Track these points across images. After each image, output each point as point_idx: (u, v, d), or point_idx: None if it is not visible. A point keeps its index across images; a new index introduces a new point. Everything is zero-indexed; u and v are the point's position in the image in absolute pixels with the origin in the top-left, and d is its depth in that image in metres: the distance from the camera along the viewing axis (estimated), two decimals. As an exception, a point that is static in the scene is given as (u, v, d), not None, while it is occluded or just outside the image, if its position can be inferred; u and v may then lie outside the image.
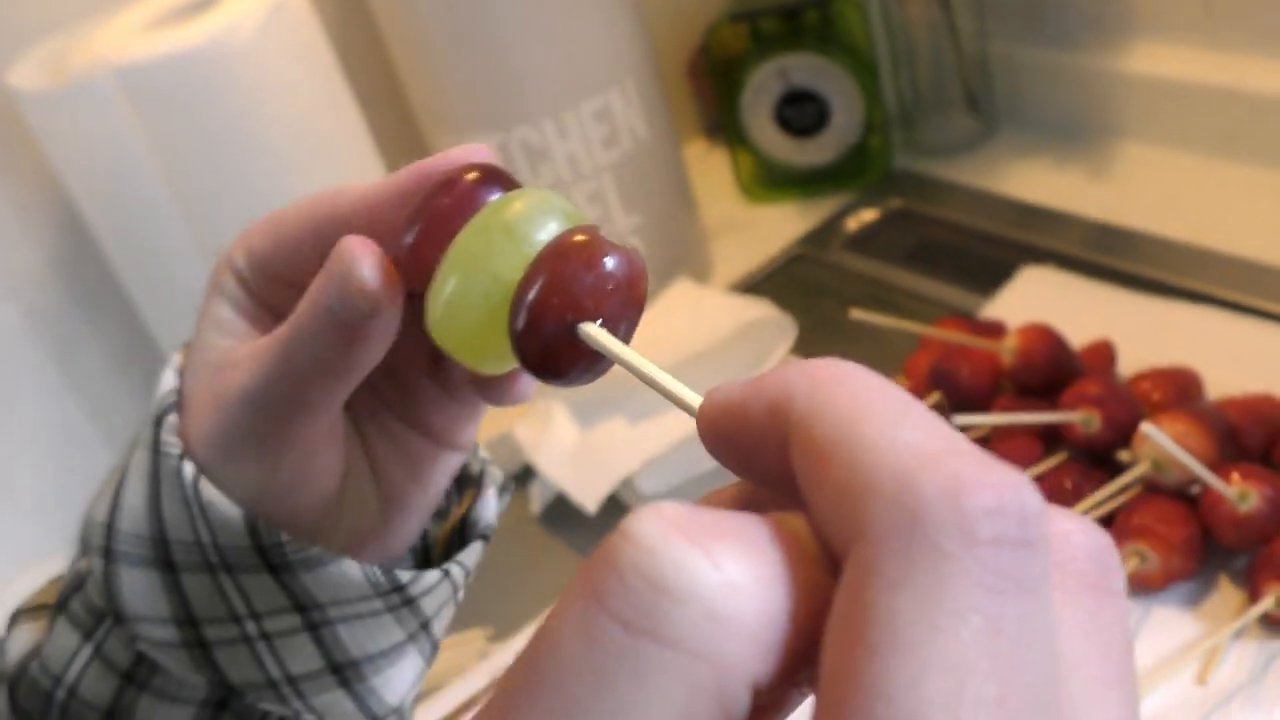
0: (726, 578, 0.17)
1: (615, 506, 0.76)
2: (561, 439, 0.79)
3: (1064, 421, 0.65)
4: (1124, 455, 0.65)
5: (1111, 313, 0.79)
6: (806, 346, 0.84)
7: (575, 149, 0.86)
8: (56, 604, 0.39)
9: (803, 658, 0.18)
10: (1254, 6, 0.88)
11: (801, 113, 1.00)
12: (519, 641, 0.69)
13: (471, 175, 0.30)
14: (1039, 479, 0.65)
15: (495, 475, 0.42)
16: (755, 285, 0.96)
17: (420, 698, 0.55)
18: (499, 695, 0.18)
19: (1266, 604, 0.57)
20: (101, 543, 0.37)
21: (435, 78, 0.85)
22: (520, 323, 0.27)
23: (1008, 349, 0.70)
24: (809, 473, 0.19)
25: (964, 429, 0.69)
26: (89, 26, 0.73)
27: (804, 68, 0.98)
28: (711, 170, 1.11)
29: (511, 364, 0.29)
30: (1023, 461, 0.66)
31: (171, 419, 0.36)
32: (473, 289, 0.29)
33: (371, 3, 0.86)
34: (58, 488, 0.88)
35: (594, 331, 0.27)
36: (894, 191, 1.01)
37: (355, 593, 0.36)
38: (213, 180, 0.71)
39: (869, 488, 0.17)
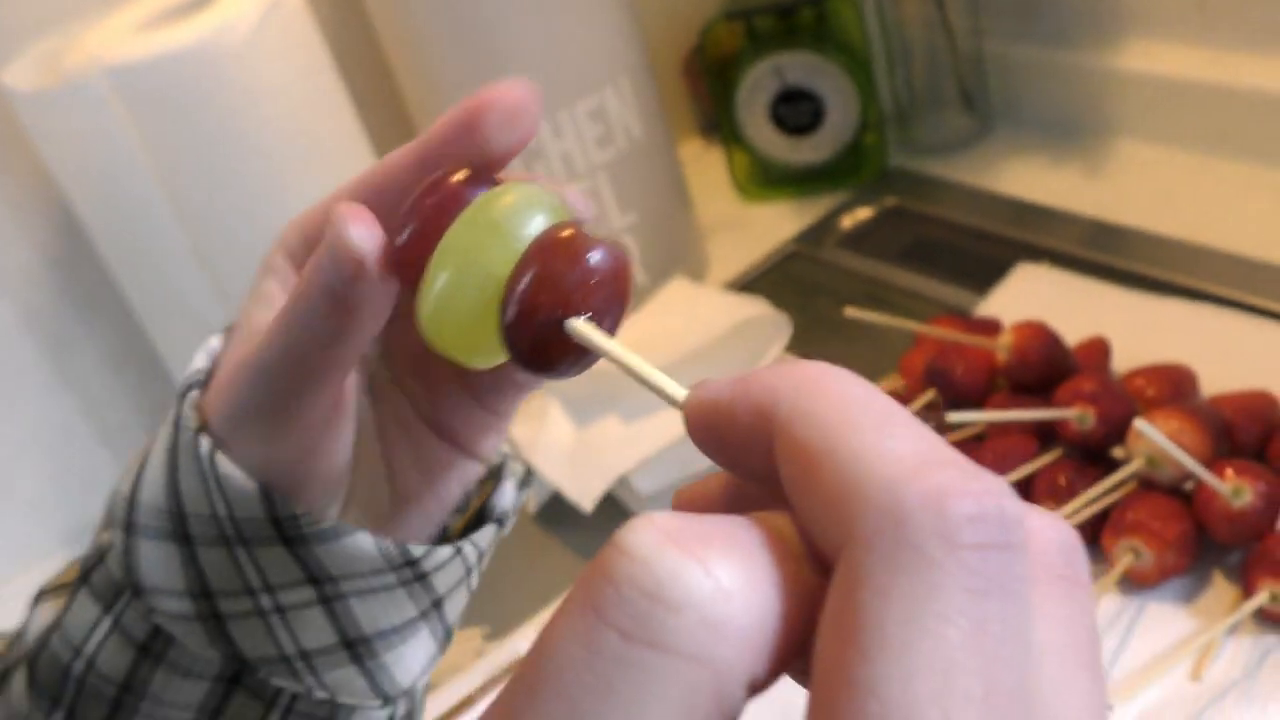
0: (719, 585, 0.18)
1: (611, 505, 0.76)
2: (557, 438, 0.79)
3: (1059, 418, 0.65)
4: (1119, 452, 0.65)
5: (1106, 310, 0.79)
6: (802, 344, 0.84)
7: (570, 148, 0.86)
8: (79, 576, 0.40)
9: (794, 652, 0.19)
10: (1247, 4, 0.88)
11: (796, 111, 1.00)
12: (515, 640, 0.69)
13: (459, 175, 0.31)
14: (1034, 476, 0.65)
15: (516, 468, 0.42)
16: (751, 283, 0.96)
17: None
18: (499, 705, 0.19)
19: (1260, 599, 0.57)
20: (123, 515, 0.37)
21: (430, 77, 0.85)
22: (510, 318, 0.28)
23: (1003, 346, 0.70)
24: (795, 477, 0.20)
25: (959, 426, 0.69)
26: (83, 26, 0.72)
27: (799, 66, 0.98)
28: (707, 169, 1.11)
29: (500, 358, 0.30)
30: (1018, 458, 0.66)
31: (194, 394, 0.36)
32: (462, 285, 0.29)
33: (366, 2, 0.86)
34: (54, 487, 0.88)
35: (581, 327, 0.27)
36: (889, 189, 1.01)
37: (368, 566, 0.36)
38: (206, 180, 0.71)
39: (857, 496, 0.18)
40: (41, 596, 0.42)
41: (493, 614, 0.72)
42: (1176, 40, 0.93)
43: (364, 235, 0.30)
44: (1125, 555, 0.60)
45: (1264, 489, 0.59)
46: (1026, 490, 0.66)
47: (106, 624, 0.38)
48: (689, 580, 0.18)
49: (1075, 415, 0.64)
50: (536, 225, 0.29)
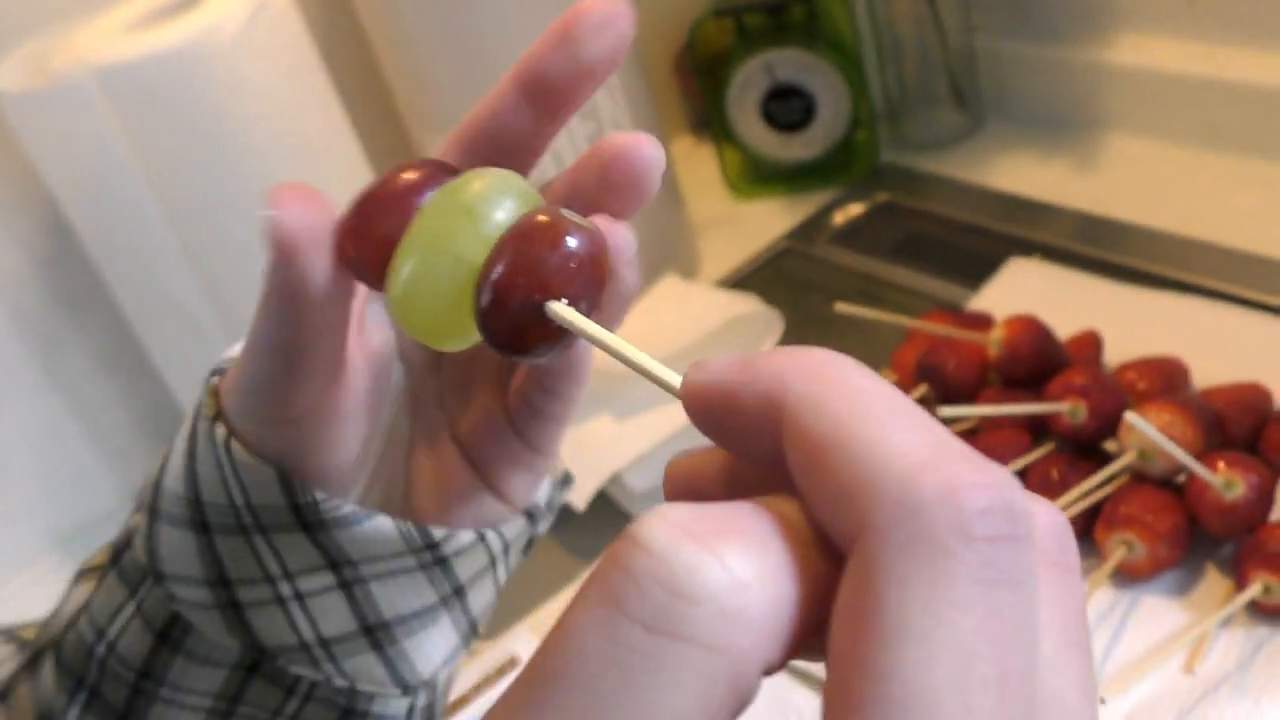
0: (735, 577, 0.18)
1: (604, 503, 0.76)
2: (549, 436, 0.79)
3: (1050, 412, 0.65)
4: (1111, 445, 0.65)
5: (1097, 303, 0.79)
6: (794, 341, 0.83)
7: (561, 146, 0.86)
8: (111, 558, 0.40)
9: (806, 635, 0.20)
10: (1237, -3, 0.88)
11: (787, 108, 1.00)
12: (507, 640, 0.69)
13: (427, 160, 0.31)
14: (1027, 470, 0.65)
15: (555, 467, 0.41)
16: (742, 280, 0.96)
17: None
18: (515, 698, 0.19)
19: (1253, 591, 0.57)
20: (149, 499, 0.37)
21: (420, 76, 0.85)
22: (486, 302, 0.28)
23: (994, 341, 0.70)
24: (807, 465, 0.20)
25: (951, 421, 0.69)
26: (70, 27, 0.72)
27: (789, 63, 0.98)
28: (698, 166, 1.11)
29: (470, 342, 0.30)
30: (1011, 453, 0.66)
31: (214, 381, 0.36)
32: (433, 269, 0.29)
33: (355, 2, 0.86)
34: (44, 488, 0.88)
35: (562, 310, 0.27)
36: (881, 185, 1.01)
37: (388, 549, 0.36)
38: (195, 180, 0.71)
39: (871, 487, 0.19)
40: (80, 576, 0.42)
41: (486, 613, 0.72)
42: (1167, 34, 0.93)
43: (294, 216, 0.30)
44: (1118, 549, 0.60)
45: (1256, 481, 0.59)
46: (1019, 484, 0.66)
47: (130, 609, 0.38)
48: (707, 574, 0.18)
49: (1067, 409, 0.64)
50: (508, 210, 0.29)
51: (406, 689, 0.39)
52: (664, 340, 0.81)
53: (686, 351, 0.80)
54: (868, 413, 0.20)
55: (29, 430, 0.86)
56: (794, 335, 0.84)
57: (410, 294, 0.29)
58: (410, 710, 0.40)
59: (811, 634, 0.20)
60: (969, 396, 0.70)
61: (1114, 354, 0.72)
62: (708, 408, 0.22)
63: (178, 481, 0.36)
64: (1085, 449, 0.66)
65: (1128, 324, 0.75)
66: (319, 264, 0.30)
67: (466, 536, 0.37)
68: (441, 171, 0.31)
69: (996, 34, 1.01)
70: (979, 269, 0.85)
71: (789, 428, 0.20)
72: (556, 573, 0.73)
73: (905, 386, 0.73)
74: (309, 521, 0.35)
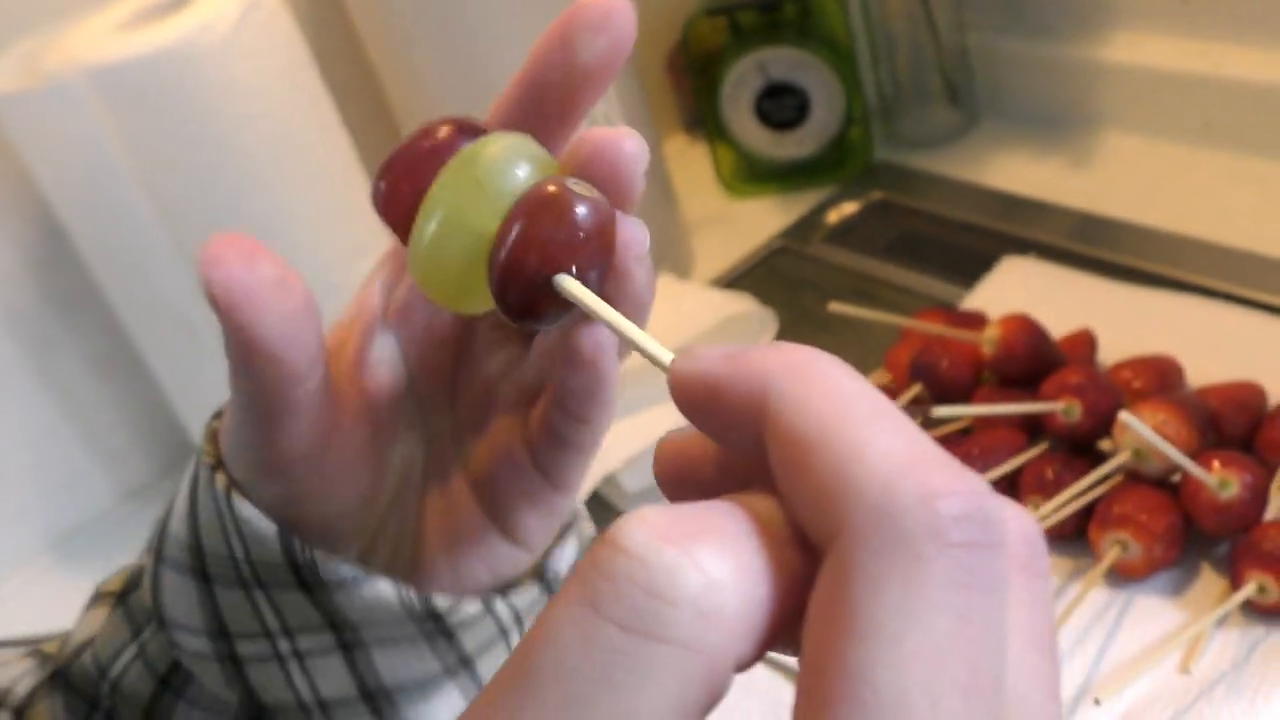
0: (711, 577, 0.19)
1: (599, 503, 0.76)
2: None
3: (1045, 411, 0.65)
4: (1105, 444, 0.65)
5: (1092, 302, 0.79)
6: (788, 340, 0.82)
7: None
8: (119, 594, 0.39)
9: (780, 631, 0.20)
10: (1231, -6, 0.88)
11: (781, 106, 1.00)
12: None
13: (448, 124, 0.31)
14: (1021, 469, 0.65)
15: (585, 530, 0.40)
16: (736, 279, 0.95)
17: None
18: (493, 696, 0.19)
19: (1249, 591, 0.57)
20: (155, 541, 0.37)
21: (412, 75, 0.85)
22: (498, 273, 0.28)
23: (988, 340, 0.70)
24: (787, 464, 0.20)
25: (945, 421, 0.69)
26: (62, 27, 0.72)
27: (783, 61, 0.98)
28: (691, 165, 1.11)
29: (487, 307, 0.30)
30: (1005, 452, 0.66)
31: (213, 424, 0.35)
32: (448, 237, 0.29)
33: (347, 1, 0.86)
34: (38, 490, 0.87)
35: (568, 284, 0.28)
36: (875, 184, 1.01)
37: (388, 615, 0.35)
38: (188, 180, 0.70)
39: (850, 490, 0.19)
40: (95, 600, 0.41)
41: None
42: (1161, 32, 0.93)
43: (227, 275, 0.29)
44: (1113, 548, 0.60)
45: (1251, 480, 0.59)
46: (1014, 484, 0.66)
47: (132, 650, 0.38)
48: (683, 575, 0.19)
49: (1061, 408, 0.64)
50: (521, 177, 0.29)
51: None
52: (658, 339, 0.81)
53: (681, 351, 0.80)
54: (850, 415, 0.20)
55: (23, 432, 0.85)
56: (788, 334, 0.84)
57: (428, 261, 0.30)
58: None
59: (786, 629, 0.20)
60: (963, 396, 0.70)
61: (1108, 353, 0.72)
62: (694, 397, 0.22)
63: (181, 527, 0.35)
64: (1080, 448, 0.66)
65: (1122, 322, 0.75)
66: (263, 320, 0.29)
67: (473, 607, 0.36)
68: (463, 133, 0.31)
69: (990, 31, 1.01)
70: (973, 267, 0.85)
71: (771, 425, 0.21)
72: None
73: (899, 385, 0.73)
74: (307, 581, 0.34)
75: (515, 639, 0.38)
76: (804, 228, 0.99)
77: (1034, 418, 0.67)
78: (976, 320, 0.75)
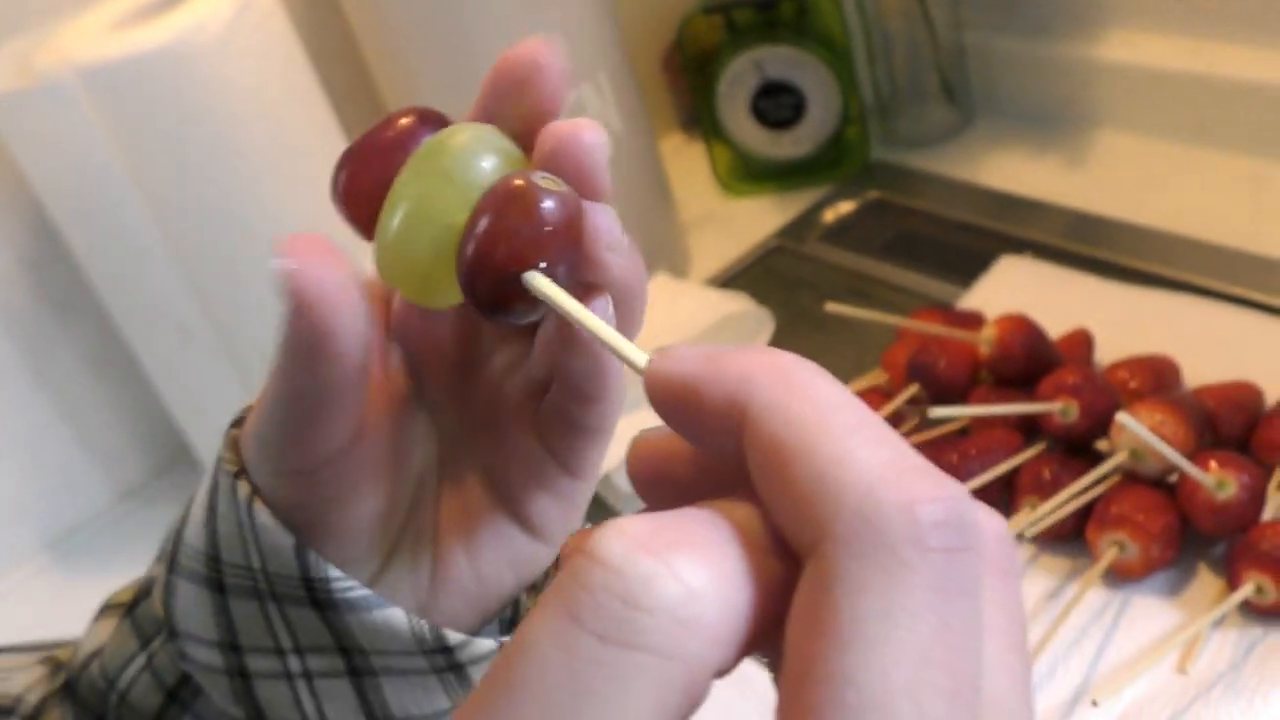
0: (688, 587, 0.19)
1: (594, 503, 0.75)
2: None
3: (1042, 412, 0.65)
4: (1103, 444, 0.65)
5: (1089, 302, 0.78)
6: (784, 339, 0.83)
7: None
8: (129, 604, 0.39)
9: (760, 638, 0.20)
10: (1227, -7, 0.88)
11: (777, 105, 0.99)
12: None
13: (409, 115, 0.31)
14: (1018, 470, 0.65)
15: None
16: (733, 279, 0.95)
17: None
18: (474, 708, 0.19)
19: (1246, 591, 0.57)
20: (169, 551, 0.36)
21: (407, 74, 0.85)
22: (465, 269, 0.28)
23: (985, 340, 0.70)
24: (768, 469, 0.20)
25: (943, 421, 0.68)
26: (54, 26, 0.72)
27: (779, 60, 0.97)
28: (688, 164, 1.10)
29: (456, 300, 0.30)
30: (1002, 453, 0.66)
31: (233, 432, 0.35)
32: (416, 230, 0.29)
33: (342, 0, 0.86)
34: (33, 490, 0.87)
35: (538, 281, 0.28)
36: (871, 183, 1.01)
37: (398, 645, 0.34)
38: (181, 180, 0.70)
39: (833, 497, 0.19)
40: (104, 611, 0.41)
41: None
42: (1156, 31, 0.93)
43: (313, 270, 0.29)
44: (1110, 549, 0.60)
45: (1248, 480, 0.59)
46: (1011, 485, 0.66)
47: (140, 661, 0.37)
48: (660, 585, 0.19)
49: (1058, 408, 0.64)
50: (488, 169, 0.29)
51: None
52: (654, 339, 0.80)
53: (658, 351, 0.79)
54: (832, 423, 0.20)
55: (18, 432, 0.85)
56: (785, 333, 0.84)
57: (395, 253, 0.29)
58: None
59: (766, 636, 0.20)
60: (960, 395, 0.70)
61: (1105, 352, 0.72)
62: (671, 398, 0.22)
63: (197, 536, 0.35)
64: (1077, 448, 0.65)
65: (1119, 322, 0.75)
66: (336, 318, 0.29)
67: (485, 645, 0.35)
68: (426, 123, 0.31)
69: (986, 30, 1.01)
70: (970, 266, 0.85)
71: (752, 431, 0.21)
72: (547, 574, 0.73)
73: (897, 385, 0.73)
74: (319, 599, 0.33)
75: None
76: (800, 227, 0.99)
77: (1031, 418, 0.66)
78: (973, 320, 0.75)
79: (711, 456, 0.23)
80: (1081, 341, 0.72)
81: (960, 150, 1.01)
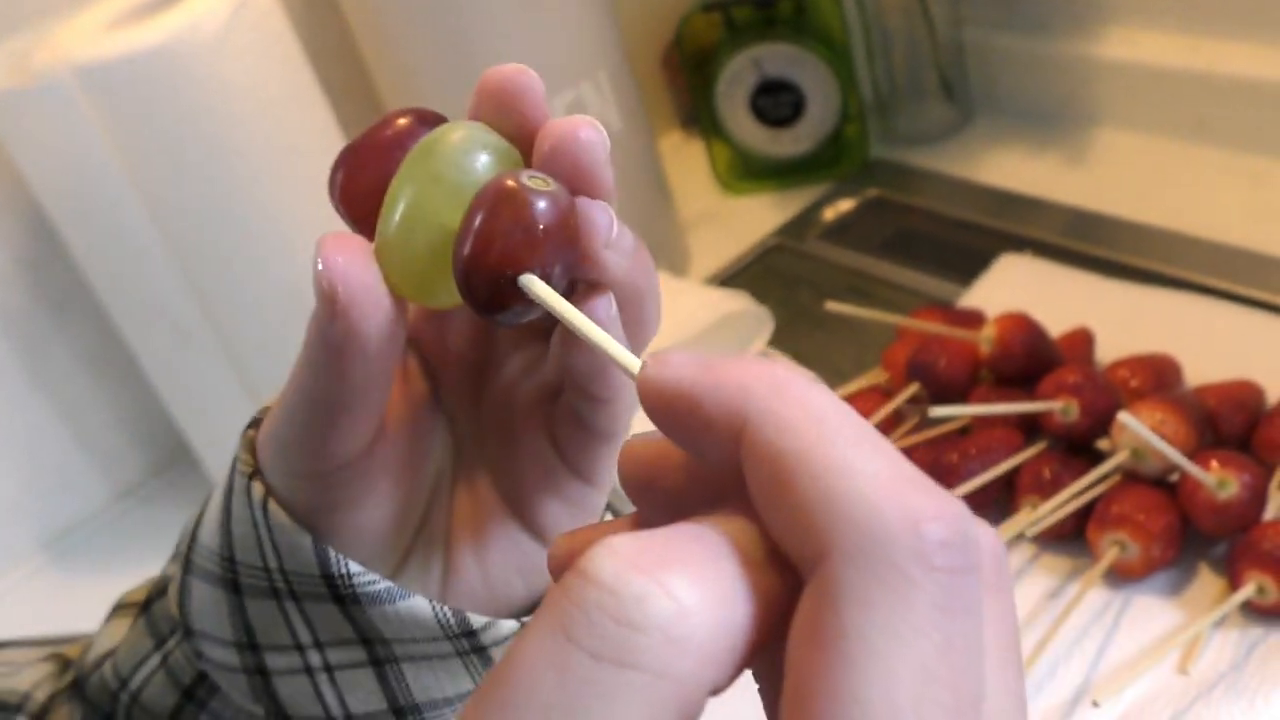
0: (681, 605, 0.19)
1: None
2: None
3: (1042, 410, 0.65)
4: (1103, 444, 0.65)
5: (1089, 300, 0.78)
6: (784, 338, 0.83)
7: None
8: (143, 604, 0.39)
9: (756, 654, 0.20)
10: (1227, -10, 0.88)
11: (777, 103, 0.99)
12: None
13: (407, 115, 0.31)
14: (1019, 469, 0.65)
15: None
16: (732, 277, 0.95)
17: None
18: None
19: (1247, 591, 0.56)
20: (184, 550, 0.36)
21: (405, 72, 0.85)
22: (461, 271, 0.28)
23: (986, 338, 0.70)
24: (767, 482, 0.20)
25: (943, 421, 0.68)
26: (51, 25, 0.71)
27: (778, 57, 0.97)
28: (687, 162, 1.10)
29: (456, 300, 0.29)
30: (1003, 452, 0.65)
31: (250, 433, 0.34)
32: (413, 231, 0.29)
33: (340, -3, 0.85)
34: (30, 490, 0.87)
35: (533, 284, 0.27)
36: (871, 181, 1.01)
37: (423, 632, 0.34)
38: (179, 179, 0.70)
39: (835, 511, 0.19)
40: (117, 610, 0.41)
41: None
42: (1155, 28, 0.93)
43: (345, 270, 0.29)
44: (1111, 548, 0.60)
45: (1249, 480, 0.58)
46: (1011, 484, 0.65)
47: (155, 660, 0.37)
48: (653, 603, 0.19)
49: (1059, 407, 0.64)
50: (480, 168, 0.29)
51: None
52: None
53: (676, 349, 0.79)
54: (832, 436, 0.20)
55: (15, 431, 0.85)
56: (785, 332, 0.84)
57: (394, 255, 0.29)
58: None
59: (765, 651, 0.20)
60: (960, 394, 0.70)
61: (1106, 351, 0.72)
62: (665, 406, 0.22)
63: (212, 536, 0.35)
64: (1077, 448, 0.65)
65: (1119, 320, 0.75)
66: (370, 321, 0.29)
67: (508, 626, 0.35)
68: (423, 123, 0.31)
69: (985, 28, 1.01)
70: (970, 265, 0.85)
71: (751, 442, 0.21)
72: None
73: (897, 384, 0.73)
74: (341, 594, 0.33)
75: None
76: (800, 225, 0.99)
77: (1032, 417, 0.66)
78: (974, 318, 0.74)
79: (704, 463, 0.23)
80: (1082, 340, 0.72)
81: (960, 148, 1.01)
